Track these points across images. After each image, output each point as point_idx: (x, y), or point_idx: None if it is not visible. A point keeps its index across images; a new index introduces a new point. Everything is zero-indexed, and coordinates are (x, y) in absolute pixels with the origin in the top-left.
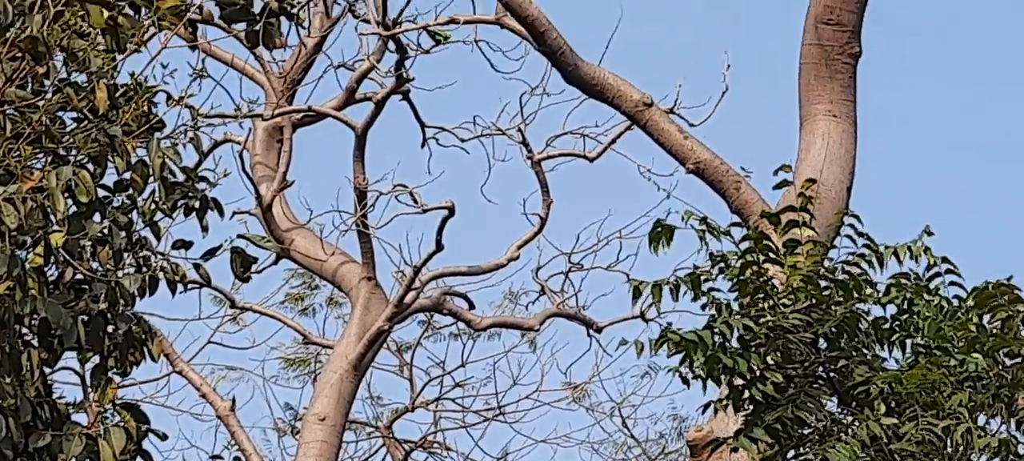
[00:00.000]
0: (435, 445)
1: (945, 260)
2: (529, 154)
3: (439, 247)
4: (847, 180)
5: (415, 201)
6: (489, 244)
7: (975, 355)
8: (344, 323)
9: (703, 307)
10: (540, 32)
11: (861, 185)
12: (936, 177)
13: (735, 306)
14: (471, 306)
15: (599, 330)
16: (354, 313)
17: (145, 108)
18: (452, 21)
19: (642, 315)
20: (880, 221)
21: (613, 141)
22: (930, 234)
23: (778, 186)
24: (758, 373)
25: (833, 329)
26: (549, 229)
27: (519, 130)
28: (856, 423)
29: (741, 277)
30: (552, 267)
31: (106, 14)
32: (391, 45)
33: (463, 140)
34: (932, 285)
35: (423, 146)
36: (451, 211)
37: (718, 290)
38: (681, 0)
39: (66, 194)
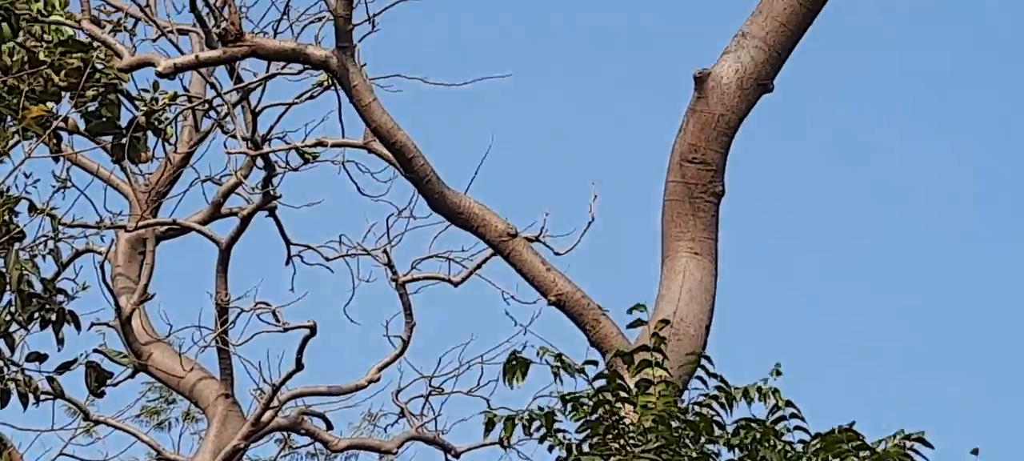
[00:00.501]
0: None
1: (789, 403)
2: (394, 276)
3: (299, 366)
4: (706, 318)
5: (277, 319)
6: (350, 365)
7: None
8: (200, 439)
9: (550, 448)
10: (407, 159)
11: (724, 323)
12: (798, 314)
13: (586, 447)
14: (329, 427)
15: (458, 456)
16: (210, 430)
17: (5, 218)
18: (320, 143)
19: (502, 442)
20: (741, 361)
21: (478, 266)
22: (779, 374)
23: (632, 325)
24: None
25: None
26: (411, 352)
27: (384, 252)
28: None
29: (592, 417)
30: (412, 390)
31: None
32: (259, 161)
33: (328, 259)
34: (778, 428)
35: (287, 263)
36: (313, 330)
37: (566, 431)
38: (553, 129)
39: None
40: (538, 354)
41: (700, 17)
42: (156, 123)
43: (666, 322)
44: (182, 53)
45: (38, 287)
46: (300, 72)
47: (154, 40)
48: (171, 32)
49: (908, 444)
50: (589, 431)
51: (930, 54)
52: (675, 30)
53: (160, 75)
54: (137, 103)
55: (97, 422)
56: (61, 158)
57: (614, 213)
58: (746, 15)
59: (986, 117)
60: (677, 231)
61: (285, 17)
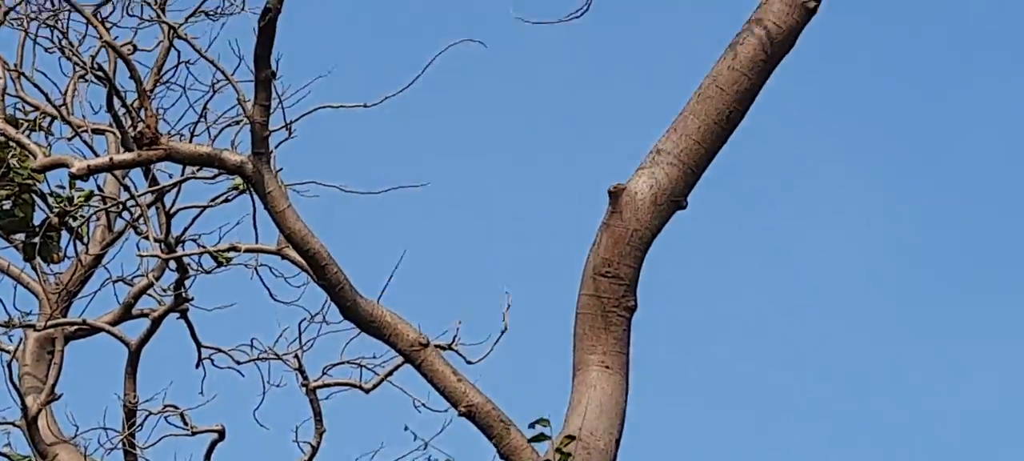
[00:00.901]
0: None
1: None
2: (304, 381)
3: None
4: (617, 433)
5: (185, 423)
6: None
7: None
8: None
9: None
10: (321, 266)
11: (635, 438)
12: (709, 433)
13: None
14: None
15: None
16: None
17: None
18: (233, 248)
19: None
20: None
21: (390, 373)
22: None
23: (534, 439)
24: None
25: None
26: (320, 458)
27: (296, 356)
28: None
29: None
30: None
31: None
32: (172, 263)
33: (239, 362)
34: None
35: (198, 366)
36: (221, 434)
37: None
38: (468, 237)
39: None
40: None
41: (615, 132)
42: (69, 223)
43: (572, 438)
44: (97, 154)
45: None
46: (216, 176)
47: (69, 139)
48: (86, 131)
49: None
50: None
51: (858, 151)
52: (591, 143)
53: (74, 176)
54: (51, 202)
55: None
56: None
57: (528, 323)
58: (661, 131)
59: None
60: (589, 344)
61: (202, 119)
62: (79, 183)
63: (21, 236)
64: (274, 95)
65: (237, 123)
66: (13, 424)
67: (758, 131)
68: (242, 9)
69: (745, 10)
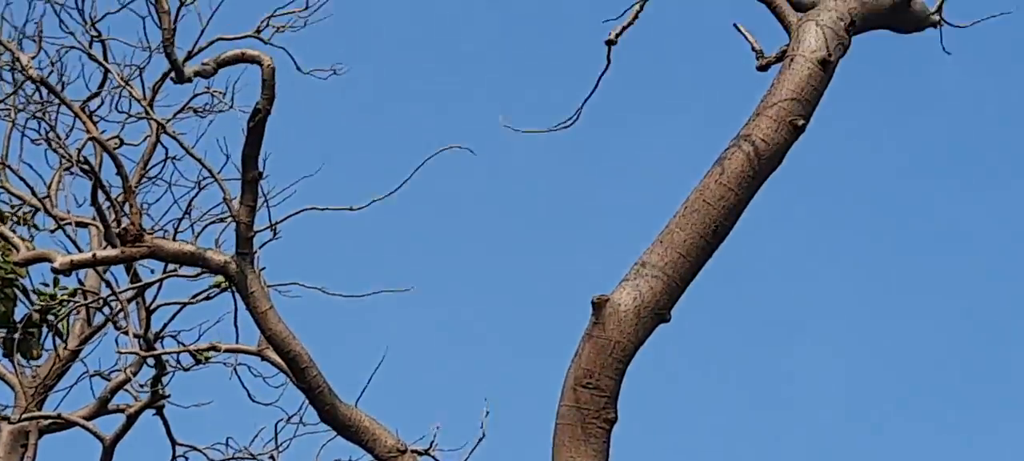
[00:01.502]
0: None
1: None
2: None
3: None
4: None
5: None
6: None
7: None
8: None
9: None
10: (301, 369)
11: None
12: None
13: None
14: None
15: None
16: None
17: None
18: (213, 348)
19: None
20: None
21: None
22: None
23: None
24: None
25: None
26: None
27: (271, 457)
28: None
29: None
30: None
31: None
32: (150, 359)
33: None
34: None
35: None
36: None
37: None
38: (449, 342)
39: None
40: None
41: (601, 241)
42: (51, 318)
43: None
44: (79, 248)
45: None
46: (199, 273)
47: (52, 231)
48: (70, 224)
49: None
50: None
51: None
52: (576, 252)
53: (56, 271)
54: (35, 299)
55: None
56: None
57: (506, 431)
58: (647, 243)
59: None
60: (568, 455)
61: (187, 216)
62: (62, 279)
63: (1, 331)
64: (260, 195)
65: (222, 220)
66: None
67: (745, 245)
68: (230, 107)
69: (734, 125)
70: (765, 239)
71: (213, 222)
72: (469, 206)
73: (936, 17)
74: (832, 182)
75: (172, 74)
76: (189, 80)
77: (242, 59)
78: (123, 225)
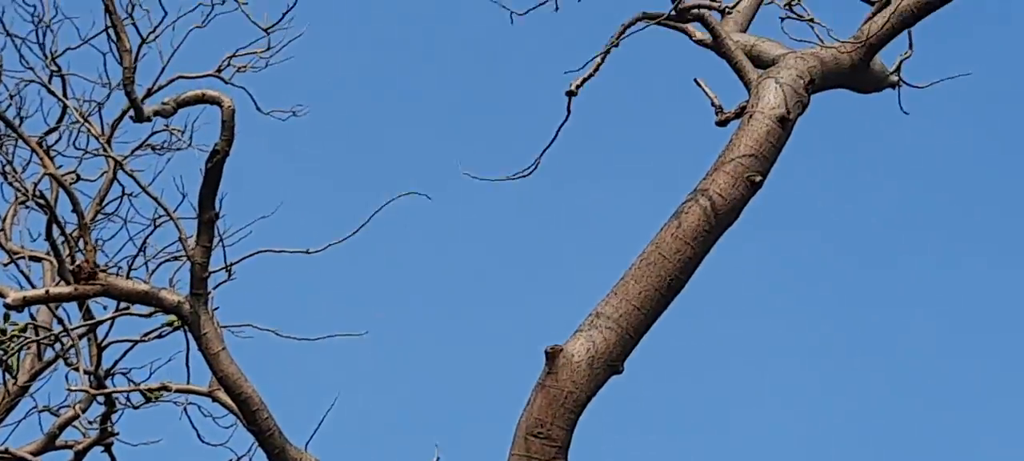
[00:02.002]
0: None
1: None
2: None
3: None
4: None
5: None
6: None
7: None
8: None
9: None
10: (252, 411)
11: None
12: None
13: None
14: None
15: None
16: None
17: None
18: (164, 388)
19: None
20: None
21: None
22: None
23: None
24: None
25: None
26: None
27: None
28: None
29: None
30: None
31: None
32: (100, 396)
33: None
34: None
35: None
36: None
37: None
38: (401, 387)
39: None
40: None
41: (555, 290)
42: (1, 354)
43: None
44: (32, 283)
45: None
46: (152, 312)
47: (4, 265)
48: (23, 258)
49: None
50: None
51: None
52: (530, 301)
53: (8, 307)
54: None
55: None
56: None
57: None
58: (602, 293)
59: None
60: None
61: (141, 253)
62: (13, 314)
63: None
64: (216, 235)
65: (176, 258)
66: None
67: (700, 299)
68: (189, 145)
69: (691, 178)
70: (720, 293)
71: (168, 260)
72: (426, 252)
73: (895, 78)
74: (788, 237)
75: (131, 112)
76: (148, 119)
77: (203, 100)
78: (77, 262)
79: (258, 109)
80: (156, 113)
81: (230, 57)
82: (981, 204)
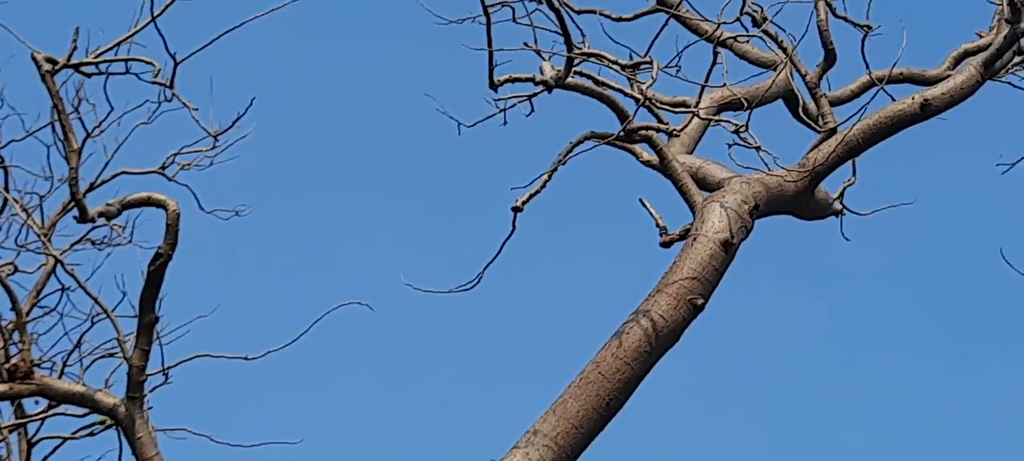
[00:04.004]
0: None
1: None
2: None
3: None
4: None
5: None
6: None
7: None
8: None
9: None
10: None
11: None
12: None
13: None
14: None
15: None
16: None
17: None
18: None
19: None
20: None
21: None
22: None
23: None
24: None
25: None
26: None
27: None
28: None
29: None
30: None
31: None
32: None
33: None
34: None
35: None
36: None
37: None
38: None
39: None
40: None
41: (494, 406)
42: None
43: None
44: None
45: None
46: (85, 413)
47: None
48: None
49: None
50: None
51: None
52: (468, 415)
53: None
54: None
55: None
56: None
57: None
58: (540, 410)
59: None
60: None
61: (77, 350)
62: None
63: None
64: (154, 336)
65: (112, 355)
66: None
67: (638, 419)
68: (129, 242)
69: (634, 298)
70: (659, 413)
71: (104, 357)
72: (366, 361)
73: (838, 205)
74: (728, 359)
75: (75, 210)
76: (92, 220)
77: (148, 203)
78: (13, 359)
79: (201, 208)
80: (100, 214)
81: (174, 154)
82: (918, 321)
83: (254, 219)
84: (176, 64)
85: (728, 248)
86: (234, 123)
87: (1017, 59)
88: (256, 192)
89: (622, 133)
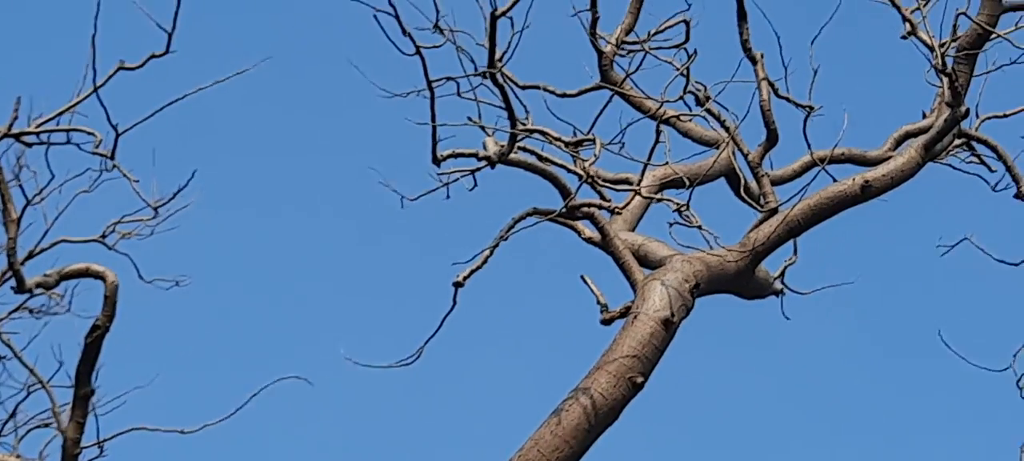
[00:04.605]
0: None
1: None
2: None
3: None
4: None
5: None
6: None
7: None
8: None
9: None
10: None
11: None
12: None
13: None
14: None
15: None
16: None
17: None
18: None
19: None
20: None
21: None
22: None
23: None
24: None
25: None
26: None
27: None
28: None
29: None
30: None
31: None
32: None
33: None
34: None
35: None
36: None
37: None
38: None
39: None
40: None
41: None
42: None
43: None
44: None
45: None
46: None
47: None
48: None
49: None
50: None
51: None
52: None
53: None
54: None
55: None
56: None
57: None
58: None
59: None
60: None
61: (12, 419)
62: None
63: None
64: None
65: (47, 426)
66: None
67: None
68: (67, 310)
69: (574, 375)
70: None
71: (39, 427)
72: (304, 436)
73: (779, 285)
74: (668, 437)
75: (12, 280)
76: (30, 290)
77: (87, 274)
78: None
79: (141, 277)
80: (38, 285)
81: (115, 223)
82: (859, 400)
83: (194, 290)
84: (117, 135)
85: (668, 326)
86: (174, 195)
87: (957, 142)
88: (197, 263)
89: (564, 209)
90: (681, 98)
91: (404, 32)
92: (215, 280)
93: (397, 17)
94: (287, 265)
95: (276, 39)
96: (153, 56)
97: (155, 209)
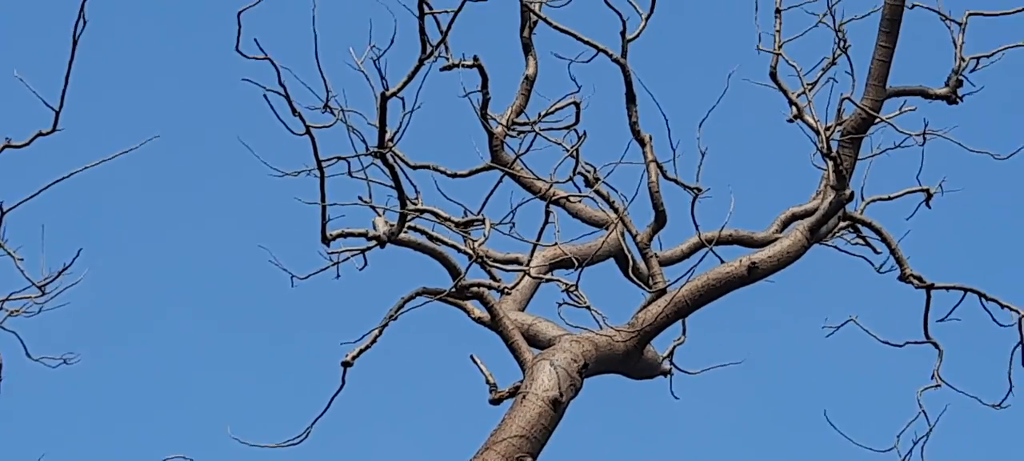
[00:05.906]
0: None
1: None
2: None
3: None
4: None
5: None
6: None
7: None
8: None
9: None
10: None
11: None
12: None
13: None
14: None
15: None
16: None
17: None
18: None
19: None
20: None
21: None
22: None
23: None
24: None
25: None
26: None
27: None
28: None
29: None
30: None
31: None
32: None
33: None
34: None
35: None
36: None
37: None
38: None
39: None
40: None
41: None
42: None
43: None
44: None
45: None
46: None
47: None
48: None
49: None
50: None
51: None
52: None
53: None
54: None
55: None
56: None
57: None
58: None
59: None
60: None
61: None
62: None
63: None
64: None
65: None
66: None
67: None
68: None
69: (462, 454)
70: None
71: None
72: None
73: (667, 365)
74: None
75: None
76: None
77: None
78: None
79: (28, 355)
80: None
81: (2, 301)
82: None
83: (83, 367)
84: (3, 213)
85: (557, 406)
86: (60, 273)
87: (843, 224)
88: (86, 340)
89: (454, 289)
90: (571, 179)
91: (294, 112)
92: (105, 357)
93: (287, 96)
94: (176, 343)
95: (166, 117)
96: (40, 134)
97: (40, 288)
